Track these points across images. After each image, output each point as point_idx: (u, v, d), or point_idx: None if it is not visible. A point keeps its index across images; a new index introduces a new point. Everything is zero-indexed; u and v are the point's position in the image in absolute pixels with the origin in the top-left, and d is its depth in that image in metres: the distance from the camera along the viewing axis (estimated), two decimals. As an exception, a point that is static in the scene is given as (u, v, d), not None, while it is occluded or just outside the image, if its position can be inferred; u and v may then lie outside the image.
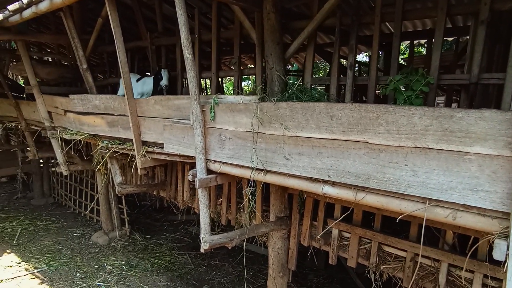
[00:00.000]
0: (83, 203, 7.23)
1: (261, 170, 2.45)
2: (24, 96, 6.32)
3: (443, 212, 1.76)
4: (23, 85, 7.38)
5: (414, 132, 1.77)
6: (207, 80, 7.98)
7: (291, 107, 2.22)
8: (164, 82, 4.30)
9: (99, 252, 5.70)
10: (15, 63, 6.44)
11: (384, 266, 3.00)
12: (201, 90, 6.16)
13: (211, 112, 2.63)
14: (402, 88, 2.50)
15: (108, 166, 4.68)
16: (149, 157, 3.42)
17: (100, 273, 5.01)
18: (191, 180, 2.79)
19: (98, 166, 4.45)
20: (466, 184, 1.65)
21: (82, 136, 4.47)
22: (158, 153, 3.36)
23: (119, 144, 3.98)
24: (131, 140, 3.67)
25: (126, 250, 5.78)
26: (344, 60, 5.70)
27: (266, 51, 3.06)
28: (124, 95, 3.43)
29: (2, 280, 4.67)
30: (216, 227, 4.36)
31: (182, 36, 2.47)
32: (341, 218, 2.73)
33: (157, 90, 4.38)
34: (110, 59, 6.16)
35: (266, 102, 2.39)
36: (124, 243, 5.98)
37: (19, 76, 9.83)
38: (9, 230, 6.38)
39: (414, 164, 1.80)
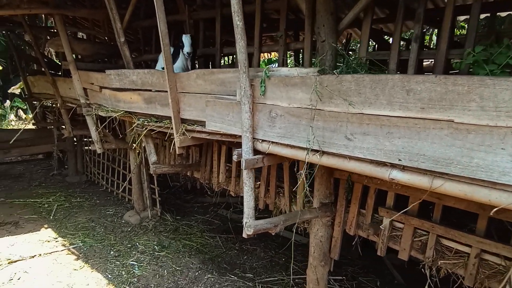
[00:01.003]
0: (115, 182, 7.29)
1: (317, 151, 2.21)
2: (60, 73, 6.34)
3: (548, 205, 1.48)
4: (58, 63, 7.45)
5: (518, 109, 1.48)
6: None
7: (357, 80, 1.95)
8: (186, 49, 3.76)
9: (131, 231, 5.71)
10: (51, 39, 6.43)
11: (442, 261, 2.73)
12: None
13: (261, 86, 2.40)
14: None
15: (143, 145, 4.58)
16: (189, 136, 3.25)
17: (133, 252, 5.01)
18: (236, 161, 2.60)
19: (134, 145, 4.35)
20: None
21: (117, 114, 4.36)
22: (198, 131, 3.19)
23: (156, 121, 3.84)
24: (168, 118, 3.52)
25: (158, 230, 5.76)
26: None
27: (318, 22, 2.77)
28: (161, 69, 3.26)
29: (40, 254, 4.75)
30: (252, 211, 4.19)
31: (233, 1, 2.23)
32: (408, 209, 2.44)
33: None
34: (145, 36, 6.03)
35: (327, 75, 2.13)
36: (155, 223, 5.97)
37: (54, 55, 9.98)
38: (46, 205, 6.52)
39: (513, 147, 1.51)
